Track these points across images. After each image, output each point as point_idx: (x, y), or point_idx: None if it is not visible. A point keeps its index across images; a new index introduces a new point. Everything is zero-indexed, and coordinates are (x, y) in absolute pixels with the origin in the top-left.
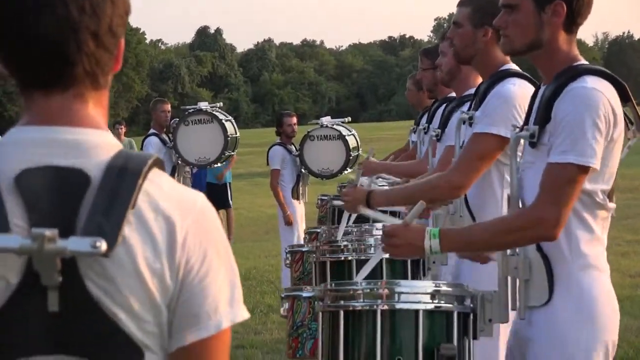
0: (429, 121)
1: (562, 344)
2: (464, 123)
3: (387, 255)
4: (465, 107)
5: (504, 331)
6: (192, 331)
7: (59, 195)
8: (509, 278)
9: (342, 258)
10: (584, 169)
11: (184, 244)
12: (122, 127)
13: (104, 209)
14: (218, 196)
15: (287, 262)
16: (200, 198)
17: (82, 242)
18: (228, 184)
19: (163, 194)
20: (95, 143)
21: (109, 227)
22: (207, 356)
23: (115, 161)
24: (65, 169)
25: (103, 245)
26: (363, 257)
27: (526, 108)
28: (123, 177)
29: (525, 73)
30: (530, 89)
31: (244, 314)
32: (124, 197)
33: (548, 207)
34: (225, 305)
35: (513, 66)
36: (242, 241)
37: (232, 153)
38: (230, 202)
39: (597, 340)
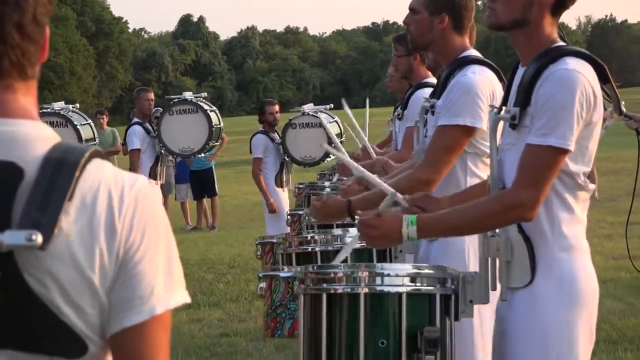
0: (404, 107)
1: (543, 325)
2: (426, 112)
3: (364, 243)
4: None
5: (479, 311)
6: (126, 316)
7: None
8: (490, 259)
9: (309, 249)
10: (564, 152)
11: (122, 228)
12: (105, 116)
13: (40, 202)
14: (203, 184)
15: (258, 253)
16: (140, 180)
17: (17, 236)
18: (213, 170)
19: (102, 182)
20: (29, 135)
21: (45, 219)
22: (143, 341)
23: (52, 154)
24: None
25: (39, 238)
26: (330, 249)
27: (489, 95)
28: (60, 170)
29: (485, 59)
30: (491, 74)
31: (183, 298)
32: (61, 189)
33: (526, 189)
34: (162, 289)
35: (473, 52)
36: (226, 229)
37: (216, 143)
38: (216, 189)
39: (578, 321)
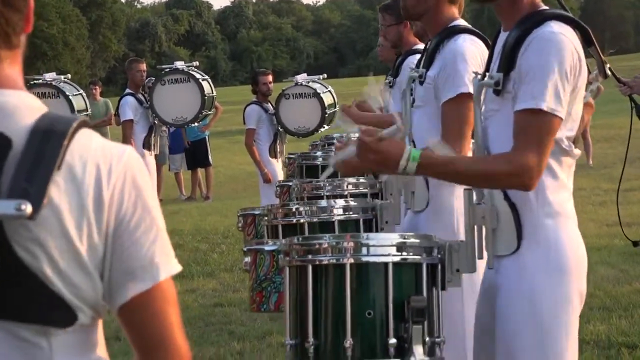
0: (395, 75)
1: (530, 292)
2: (413, 81)
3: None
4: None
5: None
6: (130, 286)
7: None
8: (476, 227)
9: (294, 221)
10: (559, 119)
11: (111, 199)
12: (97, 87)
13: (28, 172)
14: (197, 154)
15: (240, 225)
16: (127, 150)
17: (6, 205)
18: (207, 140)
19: (90, 153)
20: (16, 105)
21: (34, 189)
22: (150, 308)
23: (40, 124)
24: None
25: (28, 208)
26: (315, 220)
27: (481, 62)
28: (48, 140)
29: (474, 29)
30: (480, 43)
31: (177, 267)
32: (49, 159)
33: (532, 155)
34: (161, 256)
35: (462, 22)
36: (220, 199)
37: (209, 112)
38: (210, 159)
39: (565, 288)
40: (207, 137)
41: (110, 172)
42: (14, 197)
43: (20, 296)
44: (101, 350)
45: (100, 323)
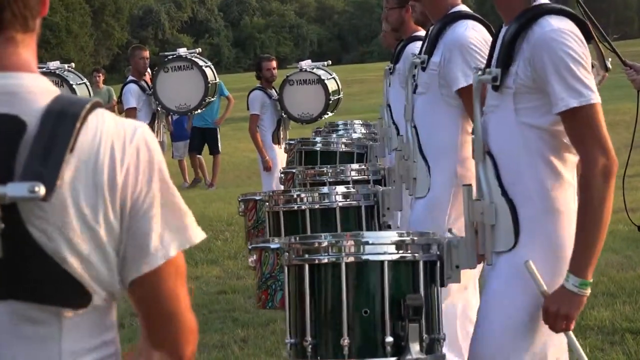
0: (395, 61)
1: (524, 287)
2: (415, 67)
3: None
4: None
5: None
6: (142, 262)
7: None
8: (475, 223)
9: (296, 207)
10: (596, 104)
11: (126, 178)
12: (100, 74)
13: (42, 154)
14: (208, 141)
15: (241, 210)
16: (140, 128)
17: (20, 187)
18: (218, 128)
19: (104, 133)
20: (30, 88)
21: (48, 171)
22: (162, 284)
23: (53, 106)
24: (0, 116)
25: (41, 190)
26: (317, 207)
27: (485, 49)
28: (61, 122)
29: (475, 14)
30: (483, 29)
31: (197, 236)
32: (63, 141)
33: (598, 156)
34: (173, 232)
35: (463, 7)
36: (225, 186)
37: (212, 99)
38: (219, 147)
39: (561, 274)
40: (217, 127)
41: (124, 151)
42: (28, 179)
43: (35, 277)
44: (113, 333)
45: (114, 306)
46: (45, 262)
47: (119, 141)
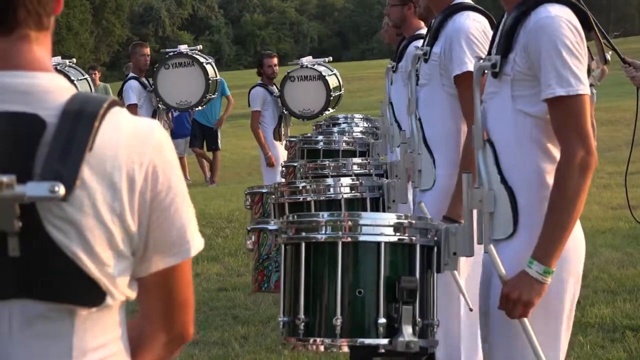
0: (398, 59)
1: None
2: (418, 60)
3: None
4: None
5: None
6: (163, 257)
7: (14, 141)
8: (474, 211)
9: (301, 199)
10: (584, 96)
11: (145, 178)
12: (97, 72)
13: (61, 153)
14: (208, 138)
15: (247, 204)
16: (157, 128)
17: (40, 187)
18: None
19: (122, 133)
20: (47, 87)
21: (67, 170)
22: (185, 275)
23: (71, 105)
24: (19, 115)
25: (61, 190)
26: (322, 198)
27: (485, 39)
28: (79, 121)
29: (477, 5)
30: (484, 20)
31: (202, 242)
32: (81, 140)
33: (578, 148)
34: (192, 232)
35: None
36: (225, 183)
37: (213, 96)
38: (219, 144)
39: (558, 272)
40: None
41: (143, 150)
42: (47, 178)
43: (51, 276)
44: (122, 329)
45: (123, 303)
46: (62, 261)
47: (138, 140)
